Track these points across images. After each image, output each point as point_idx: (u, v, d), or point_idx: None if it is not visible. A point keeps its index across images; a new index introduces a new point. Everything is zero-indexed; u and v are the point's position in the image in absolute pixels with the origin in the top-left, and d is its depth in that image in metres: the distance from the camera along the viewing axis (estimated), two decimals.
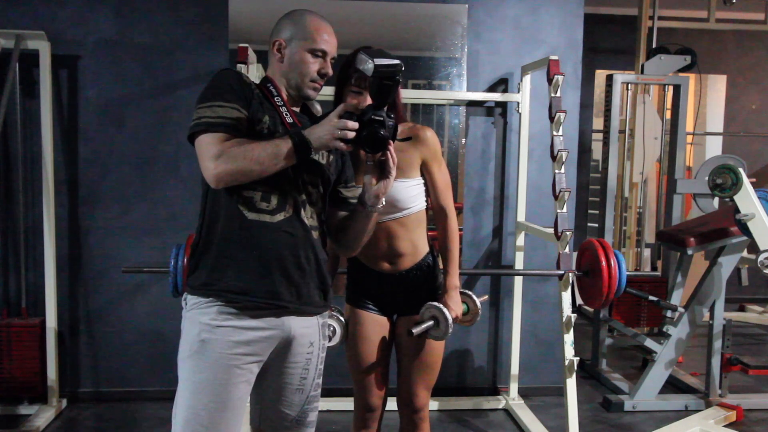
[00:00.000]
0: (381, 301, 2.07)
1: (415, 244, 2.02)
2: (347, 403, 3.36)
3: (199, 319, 1.57)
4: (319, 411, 3.58)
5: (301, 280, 1.60)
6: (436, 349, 2.07)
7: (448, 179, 2.06)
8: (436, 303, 2.01)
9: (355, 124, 1.49)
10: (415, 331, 1.96)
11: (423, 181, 2.04)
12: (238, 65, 2.90)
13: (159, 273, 2.63)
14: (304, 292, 1.61)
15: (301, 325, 1.64)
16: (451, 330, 1.99)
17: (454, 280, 2.05)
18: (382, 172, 1.60)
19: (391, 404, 2.14)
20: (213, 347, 1.55)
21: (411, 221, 2.00)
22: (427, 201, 2.07)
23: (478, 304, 2.21)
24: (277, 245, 1.56)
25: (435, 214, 2.08)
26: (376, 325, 2.06)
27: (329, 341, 2.03)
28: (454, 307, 2.02)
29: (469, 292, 2.21)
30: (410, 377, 2.08)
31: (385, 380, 2.11)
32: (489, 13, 3.52)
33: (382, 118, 1.51)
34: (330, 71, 1.69)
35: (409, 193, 1.98)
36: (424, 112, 3.56)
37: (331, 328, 2.06)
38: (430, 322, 1.99)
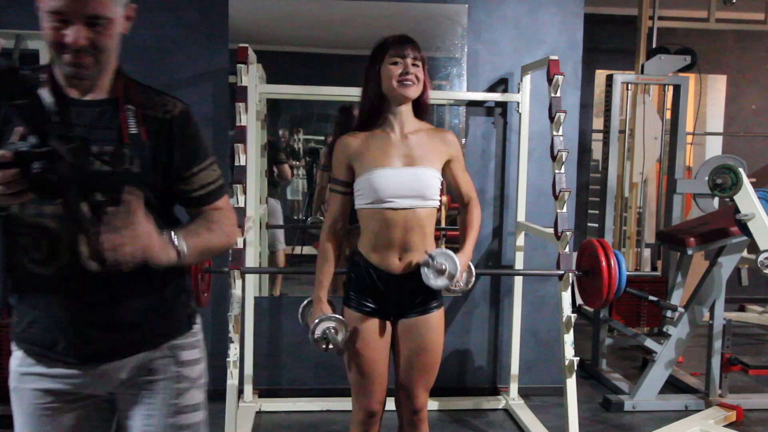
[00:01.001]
0: (383, 303, 2.03)
1: (424, 242, 2.01)
2: (347, 403, 3.36)
3: (11, 363, 1.38)
4: (319, 411, 3.61)
5: (101, 327, 1.32)
6: (436, 349, 2.06)
7: (469, 177, 2.16)
8: (451, 252, 1.97)
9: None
10: (431, 252, 1.94)
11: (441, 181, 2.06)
12: (238, 65, 2.90)
13: None
14: (108, 337, 1.34)
15: (123, 367, 1.38)
16: (451, 281, 1.95)
17: (469, 251, 2.07)
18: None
19: (389, 404, 2.13)
20: (21, 396, 1.37)
21: (427, 215, 2.00)
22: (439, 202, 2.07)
23: (474, 276, 2.18)
24: (59, 298, 1.30)
25: (462, 204, 2.14)
26: (378, 330, 2.03)
27: (336, 344, 1.96)
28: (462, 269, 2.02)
29: (472, 266, 2.17)
30: (410, 378, 2.06)
31: (385, 384, 2.08)
32: (489, 13, 3.52)
33: (47, 150, 1.06)
34: (81, 40, 1.22)
35: (435, 184, 2.00)
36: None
37: (333, 330, 2.00)
38: (443, 262, 1.95)
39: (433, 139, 2.02)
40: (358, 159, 1.97)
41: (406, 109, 2.00)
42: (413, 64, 1.94)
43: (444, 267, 1.95)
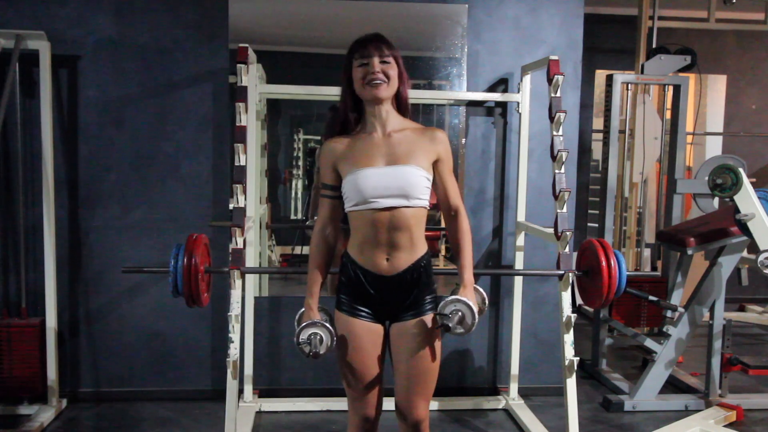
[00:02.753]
0: (374, 306, 1.99)
1: (413, 241, 1.95)
2: (347, 403, 3.36)
3: None
4: (319, 411, 3.62)
5: None
6: (433, 353, 1.99)
7: (456, 182, 2.07)
8: (459, 297, 1.93)
9: None
10: (451, 325, 1.89)
11: (431, 181, 1.99)
12: (238, 65, 2.90)
13: (159, 273, 2.63)
14: None
15: None
16: (476, 324, 1.93)
17: (471, 275, 2.01)
18: None
19: (388, 404, 2.07)
20: None
21: (414, 215, 1.93)
22: (428, 204, 2.01)
23: (486, 301, 2.17)
24: None
25: (447, 214, 2.05)
26: (371, 334, 1.99)
27: (315, 350, 1.93)
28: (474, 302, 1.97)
29: (479, 288, 2.14)
30: (406, 387, 2.00)
31: (381, 389, 2.05)
32: (489, 13, 3.52)
33: None
34: None
35: (421, 183, 1.92)
36: (424, 112, 3.56)
37: (318, 336, 1.94)
38: (462, 321, 1.91)
39: (419, 138, 1.96)
40: (343, 162, 1.94)
41: (387, 109, 1.95)
42: (382, 62, 1.90)
43: (461, 316, 1.91)
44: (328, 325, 1.97)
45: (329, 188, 2.00)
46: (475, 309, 1.93)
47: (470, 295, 1.97)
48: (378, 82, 1.89)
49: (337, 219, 2.02)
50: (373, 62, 1.89)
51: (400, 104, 1.99)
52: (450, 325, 1.89)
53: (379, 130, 1.96)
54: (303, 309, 2.13)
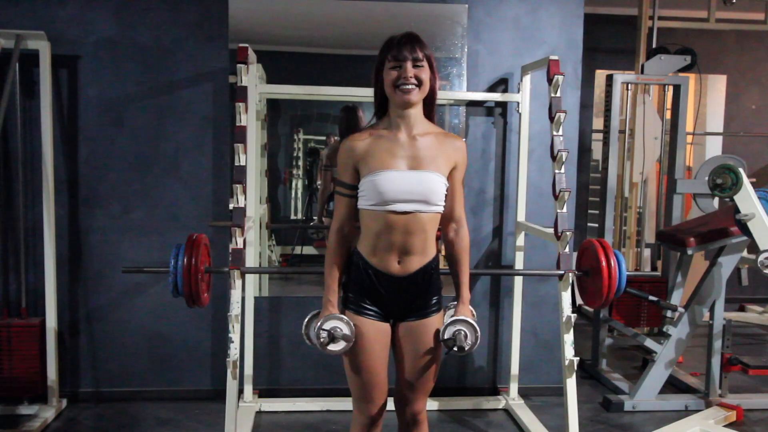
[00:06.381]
0: (383, 305, 1.99)
1: (425, 245, 1.96)
2: (347, 403, 3.36)
3: None
4: (319, 411, 3.62)
5: None
6: (436, 353, 2.04)
7: (463, 193, 2.09)
8: (458, 317, 2.00)
9: None
10: (465, 346, 1.99)
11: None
12: (238, 65, 2.89)
13: (159, 273, 2.63)
14: None
15: None
16: (479, 338, 2.04)
17: (468, 292, 2.10)
18: None
19: (389, 404, 2.11)
20: None
21: (430, 220, 1.95)
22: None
23: (474, 314, 2.18)
24: None
25: (448, 223, 2.05)
26: (379, 335, 2.00)
27: (334, 344, 1.94)
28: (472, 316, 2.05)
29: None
30: (409, 382, 2.04)
31: (386, 389, 2.05)
32: (489, 13, 3.52)
33: None
34: None
35: (441, 189, 1.94)
36: None
37: (337, 330, 1.94)
38: (465, 339, 2.01)
39: (442, 144, 1.95)
40: (364, 161, 1.92)
41: (415, 112, 1.94)
42: (415, 66, 1.88)
43: (465, 334, 2.01)
44: (350, 321, 1.97)
45: (347, 187, 1.97)
46: (475, 323, 2.01)
47: (467, 312, 2.05)
48: (409, 87, 1.88)
49: (354, 217, 2.01)
50: (407, 67, 1.87)
51: (427, 103, 1.98)
52: (463, 347, 1.99)
53: (405, 131, 1.94)
54: (311, 315, 2.12)
